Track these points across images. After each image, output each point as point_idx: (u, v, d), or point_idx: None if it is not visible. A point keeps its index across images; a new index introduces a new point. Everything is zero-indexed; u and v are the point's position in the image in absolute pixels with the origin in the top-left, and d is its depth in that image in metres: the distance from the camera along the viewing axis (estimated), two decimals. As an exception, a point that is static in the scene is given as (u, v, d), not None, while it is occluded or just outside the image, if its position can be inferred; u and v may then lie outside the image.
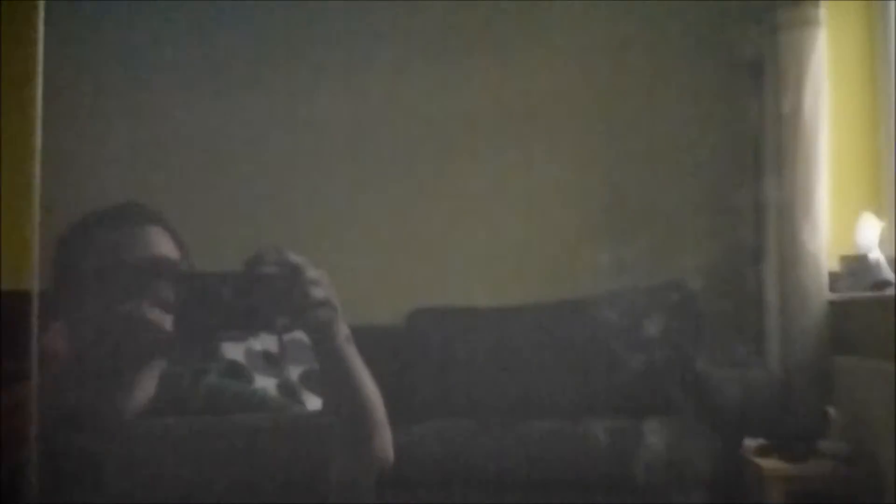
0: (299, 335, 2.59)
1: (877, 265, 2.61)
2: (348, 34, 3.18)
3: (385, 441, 1.43)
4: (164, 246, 1.42)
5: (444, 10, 3.13)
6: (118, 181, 2.73)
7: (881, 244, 2.65)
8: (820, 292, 2.73)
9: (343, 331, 1.35)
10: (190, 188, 2.98)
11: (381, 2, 3.12)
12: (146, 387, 1.42)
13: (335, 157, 3.16)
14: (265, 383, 2.93)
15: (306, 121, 3.12)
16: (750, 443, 2.55)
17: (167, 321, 1.35)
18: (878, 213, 2.71)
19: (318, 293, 1.32)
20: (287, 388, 2.94)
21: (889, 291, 2.53)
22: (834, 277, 2.74)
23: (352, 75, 3.14)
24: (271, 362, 3.03)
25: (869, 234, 2.65)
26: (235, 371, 2.76)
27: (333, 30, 3.19)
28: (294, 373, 2.98)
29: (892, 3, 2.79)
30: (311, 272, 1.33)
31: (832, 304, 2.72)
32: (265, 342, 3.03)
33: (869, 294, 2.59)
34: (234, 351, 2.97)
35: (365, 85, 3.14)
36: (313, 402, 2.88)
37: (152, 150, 3.01)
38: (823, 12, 2.71)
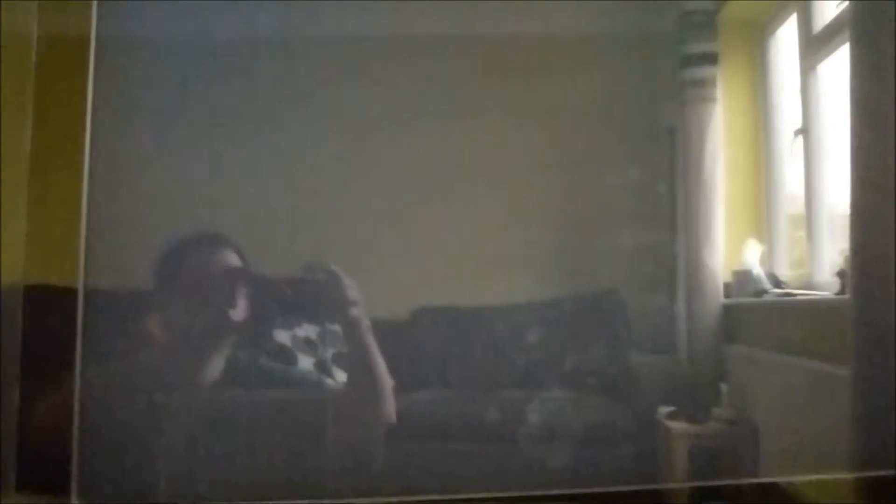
0: (332, 325, 2.77)
1: (758, 278, 2.69)
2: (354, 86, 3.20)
3: (390, 406, 1.56)
4: (234, 261, 1.55)
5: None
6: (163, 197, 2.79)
7: (761, 262, 2.75)
8: (717, 298, 2.79)
9: (366, 323, 1.49)
10: (241, 209, 2.94)
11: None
12: (216, 366, 1.55)
13: (361, 188, 3.17)
14: (305, 362, 3.01)
15: (334, 158, 3.13)
16: (663, 410, 2.62)
17: (240, 313, 1.49)
18: (760, 239, 2.81)
19: (351, 295, 1.47)
20: (322, 366, 3.01)
21: (766, 298, 2.62)
22: (727, 287, 2.80)
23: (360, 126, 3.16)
24: (310, 345, 3.08)
25: (753, 255, 2.74)
26: (283, 354, 2.86)
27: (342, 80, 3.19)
28: (328, 353, 3.05)
29: (771, 85, 2.91)
30: (347, 279, 1.48)
31: (725, 307, 2.79)
32: (306, 330, 3.09)
33: (752, 299, 2.67)
34: (283, 336, 3.05)
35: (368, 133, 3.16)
36: (341, 377, 2.96)
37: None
38: (720, 91, 2.80)
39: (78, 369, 1.30)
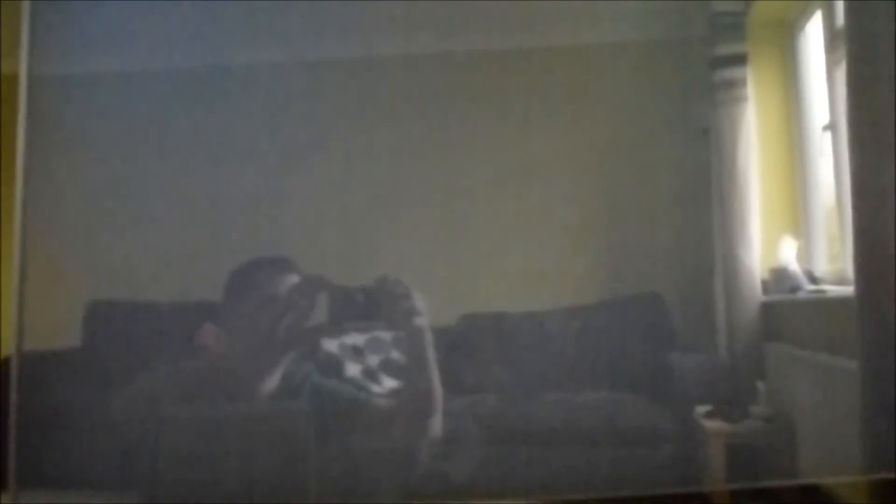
0: (380, 334, 2.86)
1: (794, 275, 2.69)
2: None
3: (439, 418, 1.64)
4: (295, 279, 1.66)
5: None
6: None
7: (798, 258, 2.75)
8: (754, 295, 2.79)
9: (429, 336, 1.59)
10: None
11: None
12: (272, 380, 1.65)
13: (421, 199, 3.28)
14: (353, 370, 3.10)
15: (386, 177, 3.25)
16: (700, 409, 2.62)
17: (318, 316, 1.59)
18: (796, 236, 2.80)
19: (419, 306, 1.56)
20: (369, 373, 3.10)
21: (802, 294, 2.62)
22: (764, 284, 2.80)
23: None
24: (357, 353, 3.17)
25: (788, 252, 2.74)
26: (332, 366, 2.94)
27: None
28: (374, 360, 3.14)
29: (802, 82, 2.91)
30: (416, 293, 1.57)
31: (763, 304, 2.79)
32: (353, 338, 3.18)
33: (789, 296, 2.67)
34: (330, 345, 3.14)
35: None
36: (388, 383, 3.04)
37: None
38: (750, 91, 2.79)
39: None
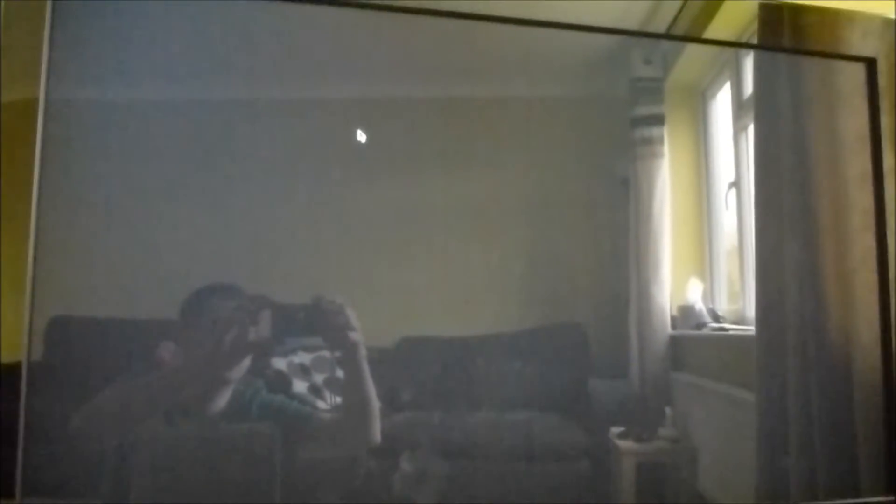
0: (324, 353, 2.83)
1: (700, 313, 2.80)
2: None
3: (377, 427, 1.65)
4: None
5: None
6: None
7: (703, 298, 2.84)
8: (664, 329, 2.87)
9: (363, 350, 1.61)
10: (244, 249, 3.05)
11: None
12: (221, 398, 1.64)
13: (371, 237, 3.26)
14: (300, 386, 3.09)
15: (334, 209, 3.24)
16: (614, 430, 2.67)
17: (261, 331, 1.59)
18: (701, 278, 2.90)
19: (353, 322, 1.59)
20: (315, 389, 3.10)
21: (706, 330, 2.74)
22: (673, 320, 2.85)
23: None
24: (304, 371, 3.16)
25: (694, 292, 2.84)
26: (280, 381, 2.91)
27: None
28: (319, 378, 3.14)
29: (711, 143, 3.03)
30: (349, 309, 1.60)
31: (672, 337, 2.84)
32: (301, 357, 3.17)
33: (694, 332, 2.77)
34: (280, 363, 3.13)
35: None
36: (332, 399, 3.04)
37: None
38: (665, 149, 2.89)
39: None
